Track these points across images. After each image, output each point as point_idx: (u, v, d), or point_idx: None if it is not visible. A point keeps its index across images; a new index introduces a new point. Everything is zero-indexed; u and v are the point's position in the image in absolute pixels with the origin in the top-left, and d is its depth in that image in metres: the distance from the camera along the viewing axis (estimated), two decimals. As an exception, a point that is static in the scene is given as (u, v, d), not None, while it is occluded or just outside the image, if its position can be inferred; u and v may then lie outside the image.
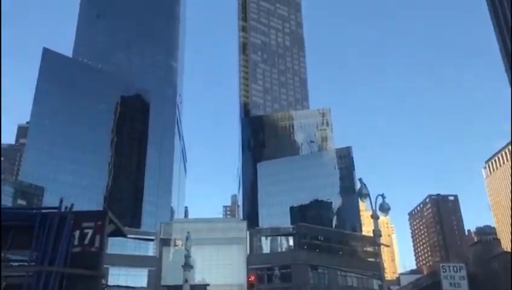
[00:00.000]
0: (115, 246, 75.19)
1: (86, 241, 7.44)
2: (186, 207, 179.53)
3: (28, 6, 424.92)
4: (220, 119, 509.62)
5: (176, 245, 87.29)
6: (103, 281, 7.29)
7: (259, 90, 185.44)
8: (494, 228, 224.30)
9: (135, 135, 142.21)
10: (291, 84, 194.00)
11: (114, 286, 64.04)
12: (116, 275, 67.84)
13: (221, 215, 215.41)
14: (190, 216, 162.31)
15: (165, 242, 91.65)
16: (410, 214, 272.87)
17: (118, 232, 8.66)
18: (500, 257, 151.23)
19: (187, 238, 56.49)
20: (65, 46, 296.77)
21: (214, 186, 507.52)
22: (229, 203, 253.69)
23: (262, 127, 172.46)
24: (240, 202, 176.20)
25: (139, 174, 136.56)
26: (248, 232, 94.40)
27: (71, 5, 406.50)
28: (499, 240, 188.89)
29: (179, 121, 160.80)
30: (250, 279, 32.74)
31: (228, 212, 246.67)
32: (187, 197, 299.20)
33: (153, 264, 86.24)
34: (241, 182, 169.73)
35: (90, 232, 7.48)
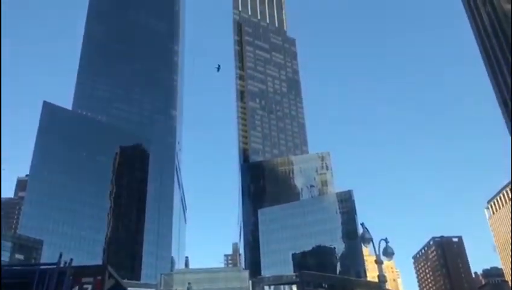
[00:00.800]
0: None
1: (85, 298, 7.23)
2: (186, 257, 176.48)
3: (27, 56, 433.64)
4: (220, 166, 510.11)
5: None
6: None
7: (258, 137, 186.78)
8: (501, 269, 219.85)
9: (134, 185, 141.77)
10: (290, 129, 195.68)
11: None
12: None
13: (222, 265, 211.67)
14: (191, 266, 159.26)
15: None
16: (414, 257, 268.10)
17: (118, 287, 8.47)
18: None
19: (188, 289, 55.42)
20: (65, 98, 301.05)
21: (214, 234, 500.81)
22: (230, 252, 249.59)
23: (262, 173, 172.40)
24: (242, 250, 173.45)
25: (138, 225, 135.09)
26: (251, 281, 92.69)
27: (71, 56, 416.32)
28: (507, 282, 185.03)
29: (178, 169, 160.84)
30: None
31: (230, 261, 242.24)
32: (187, 246, 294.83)
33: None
34: (241, 229, 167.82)
35: (89, 288, 7.32)
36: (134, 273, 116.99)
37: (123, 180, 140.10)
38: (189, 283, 56.40)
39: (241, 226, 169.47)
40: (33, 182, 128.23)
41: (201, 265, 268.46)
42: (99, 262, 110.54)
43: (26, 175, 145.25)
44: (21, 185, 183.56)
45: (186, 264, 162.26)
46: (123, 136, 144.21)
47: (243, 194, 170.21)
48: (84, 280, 7.05)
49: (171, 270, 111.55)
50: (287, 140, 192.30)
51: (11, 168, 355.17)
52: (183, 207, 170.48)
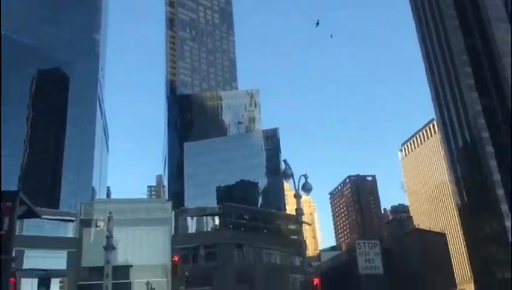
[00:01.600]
0: (31, 227, 71.28)
1: (-6, 224, 6.70)
2: (108, 187, 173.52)
3: None
4: (146, 96, 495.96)
5: (97, 226, 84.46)
6: (13, 265, 6.69)
7: (187, 68, 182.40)
8: (407, 206, 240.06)
9: (53, 111, 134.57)
10: (220, 63, 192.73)
11: (29, 269, 60.79)
12: (33, 258, 64.33)
13: (145, 196, 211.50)
14: (113, 196, 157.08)
15: (85, 223, 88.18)
16: (331, 193, 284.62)
17: (31, 214, 7.98)
18: (412, 233, 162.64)
19: (109, 219, 54.63)
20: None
21: (138, 166, 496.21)
22: (153, 184, 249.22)
23: (190, 106, 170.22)
24: (165, 182, 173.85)
25: (57, 152, 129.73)
26: (173, 212, 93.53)
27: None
28: (412, 217, 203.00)
29: (101, 96, 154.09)
30: (174, 259, 32.48)
31: (153, 193, 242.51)
32: (109, 177, 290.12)
33: (73, 246, 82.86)
34: (166, 161, 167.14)
35: (-2, 213, 6.76)
36: (53, 201, 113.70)
37: (41, 105, 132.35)
38: (110, 213, 55.53)
39: (166, 159, 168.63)
40: None
41: (124, 196, 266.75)
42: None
43: None
44: None
45: (108, 195, 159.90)
46: (41, 59, 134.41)
47: (169, 126, 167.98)
48: (-8, 206, 6.49)
49: (92, 200, 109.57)
50: (216, 74, 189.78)
51: None
52: (105, 136, 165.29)
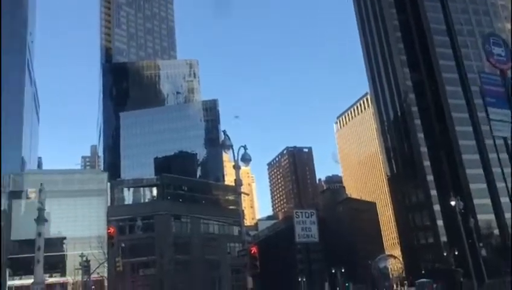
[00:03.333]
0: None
1: None
2: (39, 158, 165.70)
3: None
4: (79, 64, 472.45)
5: (28, 198, 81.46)
6: None
7: (123, 36, 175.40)
8: (340, 177, 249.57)
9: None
10: (158, 31, 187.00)
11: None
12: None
13: (79, 167, 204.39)
14: (44, 167, 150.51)
15: (15, 195, 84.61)
16: (269, 164, 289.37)
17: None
18: (344, 202, 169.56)
19: (40, 191, 52.64)
20: None
21: (71, 136, 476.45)
22: (88, 154, 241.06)
23: (126, 75, 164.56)
24: (100, 153, 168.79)
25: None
26: (109, 183, 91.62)
27: None
28: (344, 187, 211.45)
29: (30, 63, 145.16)
30: (109, 231, 32.00)
31: (87, 163, 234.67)
32: (41, 147, 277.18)
33: (1, 219, 79.26)
34: (101, 131, 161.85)
35: None
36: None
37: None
38: (41, 184, 53.38)
39: (100, 128, 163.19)
40: None
41: (57, 167, 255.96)
42: None
43: None
44: None
45: (39, 165, 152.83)
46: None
47: (104, 95, 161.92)
48: None
49: (22, 171, 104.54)
50: (154, 42, 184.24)
51: None
52: (35, 105, 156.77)
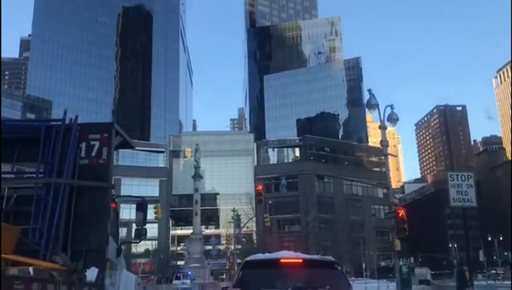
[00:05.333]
0: (126, 158, 77.18)
1: (93, 154, 7.17)
2: (194, 120, 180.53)
3: None
4: (226, 29, 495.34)
5: (185, 157, 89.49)
6: (113, 192, 7.28)
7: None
8: (500, 137, 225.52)
9: (139, 48, 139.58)
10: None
11: (126, 195, 66.48)
12: (128, 186, 70.18)
13: (228, 129, 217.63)
14: (198, 129, 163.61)
15: (174, 154, 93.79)
16: (417, 124, 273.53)
17: (126, 145, 8.46)
18: (504, 165, 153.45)
19: (196, 150, 57.45)
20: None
21: (221, 99, 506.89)
22: (236, 117, 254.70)
23: (269, 38, 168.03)
24: (247, 115, 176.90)
25: (145, 88, 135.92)
26: (255, 144, 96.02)
27: None
28: (504, 149, 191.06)
29: (183, 32, 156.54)
30: (257, 188, 33.53)
31: (236, 126, 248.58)
32: (194, 111, 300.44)
33: (164, 175, 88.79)
34: (247, 94, 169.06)
35: (96, 144, 7.21)
36: (144, 134, 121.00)
37: (128, 42, 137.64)
38: (197, 144, 58.11)
39: (246, 92, 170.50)
40: (36, 42, 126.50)
41: (208, 129, 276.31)
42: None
43: (29, 35, 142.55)
44: (24, 45, 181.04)
45: (194, 128, 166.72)
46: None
47: (249, 59, 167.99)
48: (91, 136, 6.99)
49: (179, 133, 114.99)
50: (296, 3, 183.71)
51: (14, 26, 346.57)
52: (189, 71, 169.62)
